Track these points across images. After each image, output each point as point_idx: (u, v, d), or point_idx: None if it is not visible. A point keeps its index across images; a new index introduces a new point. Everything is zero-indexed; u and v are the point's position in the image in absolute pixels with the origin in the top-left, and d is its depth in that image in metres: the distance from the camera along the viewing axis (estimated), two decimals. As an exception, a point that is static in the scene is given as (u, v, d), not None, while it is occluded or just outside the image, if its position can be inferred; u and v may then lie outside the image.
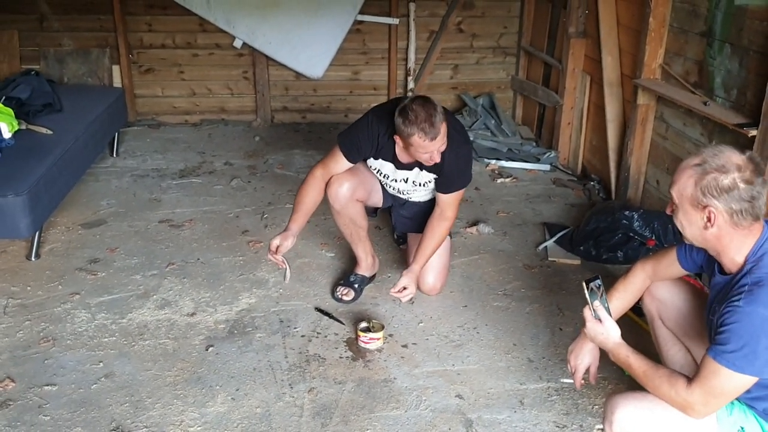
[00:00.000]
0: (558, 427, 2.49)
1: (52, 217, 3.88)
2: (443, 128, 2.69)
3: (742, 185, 1.79)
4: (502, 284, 3.42)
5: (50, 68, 5.43)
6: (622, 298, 2.30)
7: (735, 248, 1.89)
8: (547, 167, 4.87)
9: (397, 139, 2.81)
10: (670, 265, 2.23)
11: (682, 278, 2.34)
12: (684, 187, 1.87)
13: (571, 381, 2.35)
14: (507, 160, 4.97)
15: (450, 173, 2.92)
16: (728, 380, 1.80)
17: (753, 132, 3.06)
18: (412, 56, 5.69)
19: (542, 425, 2.50)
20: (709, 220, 1.85)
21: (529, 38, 5.58)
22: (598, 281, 2.11)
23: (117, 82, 5.53)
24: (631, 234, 3.54)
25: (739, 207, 1.81)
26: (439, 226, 3.02)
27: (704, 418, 1.90)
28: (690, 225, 1.92)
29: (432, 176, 2.99)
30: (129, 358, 2.84)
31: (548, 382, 2.72)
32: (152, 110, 5.74)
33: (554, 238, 3.79)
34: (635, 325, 2.93)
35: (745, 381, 1.80)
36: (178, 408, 2.57)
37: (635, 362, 2.01)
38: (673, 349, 2.35)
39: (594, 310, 2.07)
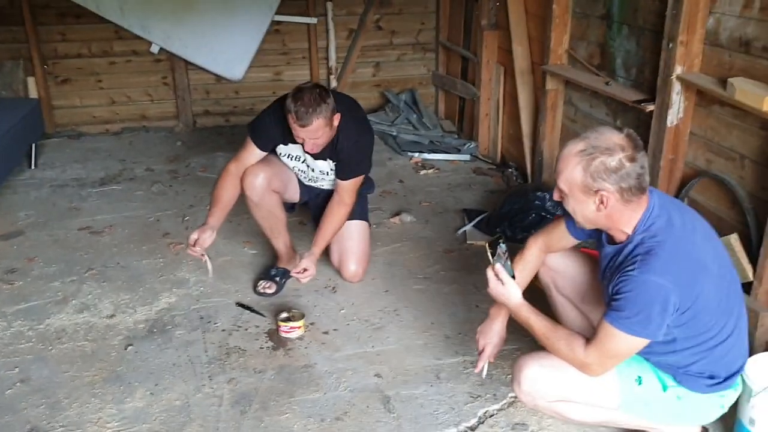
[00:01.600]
0: (472, 397, 2.56)
1: (-32, 230, 3.80)
2: (318, 123, 2.74)
3: (628, 164, 1.86)
4: (422, 269, 3.49)
5: (-38, 82, 5.30)
6: (521, 273, 2.33)
7: (625, 222, 1.96)
8: (468, 157, 4.97)
9: None
10: (562, 237, 2.30)
11: (574, 247, 2.42)
12: (572, 175, 1.91)
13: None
14: (429, 153, 5.05)
15: (348, 160, 3.00)
16: (624, 342, 1.91)
17: (651, 107, 3.19)
18: (333, 55, 5.74)
19: (457, 396, 2.56)
20: (602, 202, 1.91)
21: (446, 33, 5.68)
22: (503, 245, 2.18)
23: (33, 94, 5.42)
24: (543, 213, 3.65)
25: (628, 185, 1.87)
26: (338, 211, 3.09)
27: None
28: (582, 210, 1.97)
29: (328, 165, 3.07)
30: (46, 362, 2.80)
31: (464, 356, 2.79)
32: (71, 121, 5.64)
33: (472, 223, 3.88)
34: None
35: (639, 343, 1.91)
36: (96, 406, 2.55)
37: (535, 322, 2.10)
38: (571, 315, 2.45)
39: (496, 272, 2.14)
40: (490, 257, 2.15)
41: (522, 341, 2.68)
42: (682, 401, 2.07)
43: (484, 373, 2.40)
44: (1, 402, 2.58)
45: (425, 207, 4.24)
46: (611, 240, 2.06)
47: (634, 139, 1.90)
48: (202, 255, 2.90)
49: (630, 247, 1.95)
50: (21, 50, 5.35)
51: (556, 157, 2.05)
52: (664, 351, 2.03)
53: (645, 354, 2.06)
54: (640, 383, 2.07)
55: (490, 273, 2.15)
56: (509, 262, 2.19)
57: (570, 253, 2.42)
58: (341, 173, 3.05)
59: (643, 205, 1.95)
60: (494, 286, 2.15)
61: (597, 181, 1.88)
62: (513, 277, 2.16)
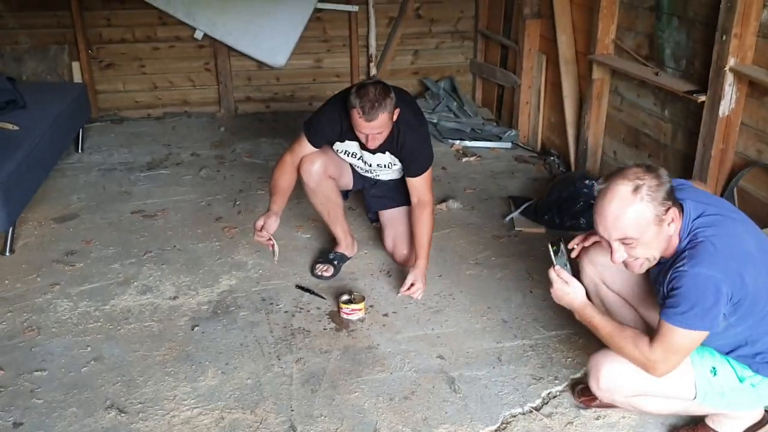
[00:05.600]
0: (535, 379, 2.64)
1: (23, 213, 3.88)
2: (383, 117, 2.78)
3: (663, 176, 1.95)
4: (473, 254, 3.56)
5: (7, 67, 5.37)
6: None
7: (674, 235, 2.02)
8: (509, 145, 5.03)
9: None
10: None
11: None
12: (640, 215, 1.93)
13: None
14: (470, 140, 5.11)
15: (414, 154, 3.03)
16: (684, 338, 1.96)
17: (702, 98, 3.24)
18: (373, 43, 5.79)
19: (520, 378, 2.64)
20: (672, 220, 1.97)
21: (485, 22, 5.72)
22: (563, 245, 2.24)
23: (77, 79, 5.51)
24: (592, 201, 3.68)
25: (671, 196, 1.97)
26: (421, 214, 3.11)
27: (680, 366, 2.04)
28: (657, 244, 2.00)
29: (388, 158, 3.10)
30: (116, 341, 2.90)
31: (523, 340, 2.86)
32: (114, 105, 5.73)
33: (519, 210, 3.94)
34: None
35: (699, 336, 1.97)
36: (170, 384, 2.64)
37: (600, 323, 2.14)
38: (623, 311, 2.47)
39: (557, 273, 2.18)
40: (553, 258, 2.19)
41: (578, 326, 2.74)
42: (758, 389, 2.12)
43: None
44: (78, 379, 2.68)
45: (469, 193, 4.31)
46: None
47: (639, 165, 1.99)
48: (269, 240, 2.97)
49: (678, 251, 2.01)
50: (66, 35, 5.43)
51: (597, 222, 2.02)
52: (734, 344, 2.09)
53: (718, 348, 2.12)
54: (715, 374, 2.11)
55: (553, 274, 2.19)
56: (569, 263, 2.23)
57: None
58: (411, 170, 3.07)
59: (679, 217, 2.01)
60: (560, 287, 2.19)
61: (663, 203, 1.94)
62: (575, 276, 2.21)
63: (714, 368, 2.12)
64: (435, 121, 5.31)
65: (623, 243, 1.99)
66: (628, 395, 2.18)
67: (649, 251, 2.01)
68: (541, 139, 5.01)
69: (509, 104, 5.33)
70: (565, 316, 2.48)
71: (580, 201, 3.73)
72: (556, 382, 2.61)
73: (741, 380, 2.11)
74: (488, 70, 5.61)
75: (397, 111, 2.88)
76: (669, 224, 1.98)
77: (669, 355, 2.01)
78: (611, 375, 2.14)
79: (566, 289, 2.18)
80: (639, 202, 1.94)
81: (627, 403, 2.24)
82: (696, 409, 2.22)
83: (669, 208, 1.96)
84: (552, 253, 2.20)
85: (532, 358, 2.75)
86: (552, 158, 4.70)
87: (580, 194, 3.74)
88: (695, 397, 2.14)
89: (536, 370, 2.68)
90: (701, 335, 1.97)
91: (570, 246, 2.40)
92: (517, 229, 3.80)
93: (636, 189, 1.94)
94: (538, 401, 2.52)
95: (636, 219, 1.94)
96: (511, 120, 5.27)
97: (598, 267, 2.46)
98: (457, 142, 5.07)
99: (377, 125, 2.80)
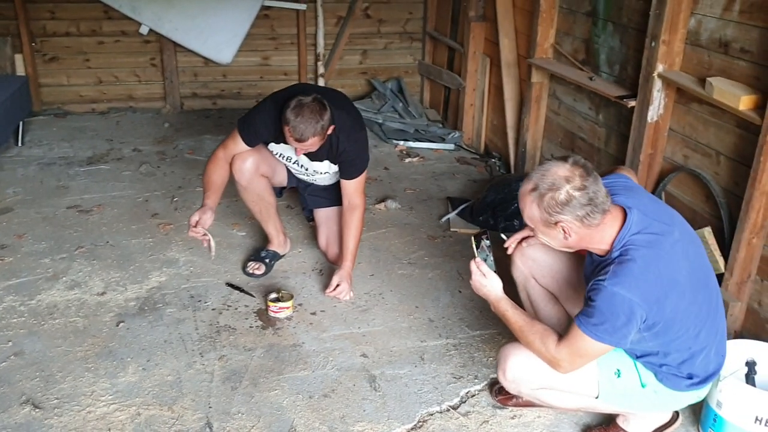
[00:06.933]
0: (455, 378, 2.66)
1: (-45, 206, 3.82)
2: (313, 140, 2.80)
3: (576, 193, 1.94)
4: (407, 254, 3.59)
5: (-52, 58, 5.28)
6: None
7: (598, 240, 2.05)
8: (452, 146, 5.07)
9: None
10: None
11: None
12: (531, 213, 2.02)
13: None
14: (414, 141, 5.14)
15: (351, 160, 3.05)
16: (591, 346, 2.00)
17: (632, 103, 3.30)
18: (321, 42, 5.79)
19: (440, 377, 2.67)
20: (565, 232, 2.01)
21: (433, 23, 5.76)
22: (487, 240, 2.28)
23: (20, 72, 5.42)
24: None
25: (584, 212, 1.96)
26: (351, 217, 3.14)
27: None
28: (553, 239, 2.08)
29: (327, 166, 3.11)
30: (39, 337, 2.86)
31: (447, 339, 2.89)
32: (58, 99, 5.65)
33: (456, 211, 3.98)
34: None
35: (605, 347, 2.01)
36: (89, 380, 2.62)
37: (513, 316, 2.19)
38: (548, 307, 2.52)
39: (477, 265, 2.24)
40: (475, 250, 2.25)
41: (502, 326, 2.77)
42: (659, 396, 2.17)
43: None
44: (-4, 374, 2.64)
45: (409, 194, 4.34)
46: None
47: (582, 165, 1.98)
48: (204, 235, 2.96)
49: (609, 260, 2.03)
50: (9, 27, 5.34)
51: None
52: (644, 352, 2.13)
53: (629, 351, 2.16)
54: (618, 376, 2.16)
55: (473, 266, 2.25)
56: (492, 257, 2.29)
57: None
58: (346, 173, 3.09)
59: (616, 222, 2.02)
60: (478, 279, 2.25)
61: (553, 215, 1.97)
62: (495, 271, 2.25)
63: (618, 370, 2.16)
64: (380, 121, 5.33)
65: (527, 224, 2.10)
66: (534, 387, 2.22)
67: (550, 241, 2.09)
68: (484, 141, 5.06)
69: (455, 106, 5.37)
70: (491, 316, 2.51)
71: (514, 203, 3.77)
72: (476, 381, 2.64)
73: (643, 386, 2.16)
74: (435, 71, 5.64)
75: (332, 128, 2.89)
76: (564, 236, 2.02)
77: (574, 357, 2.05)
78: (517, 366, 2.19)
79: (483, 281, 2.24)
80: (531, 203, 2.00)
81: (532, 396, 2.28)
82: (601, 407, 2.27)
83: (559, 223, 1.98)
84: (474, 245, 2.26)
85: (455, 357, 2.78)
86: (493, 160, 4.75)
87: (515, 197, 3.75)
88: (598, 395, 2.18)
89: (457, 369, 2.71)
90: (607, 348, 2.01)
91: (507, 244, 2.46)
92: (452, 229, 3.83)
93: (533, 191, 1.99)
94: (456, 400, 2.55)
95: (528, 214, 2.03)
96: (456, 121, 5.32)
97: (529, 261, 2.51)
98: (401, 142, 5.09)
99: (307, 144, 2.82)
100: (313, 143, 2.83)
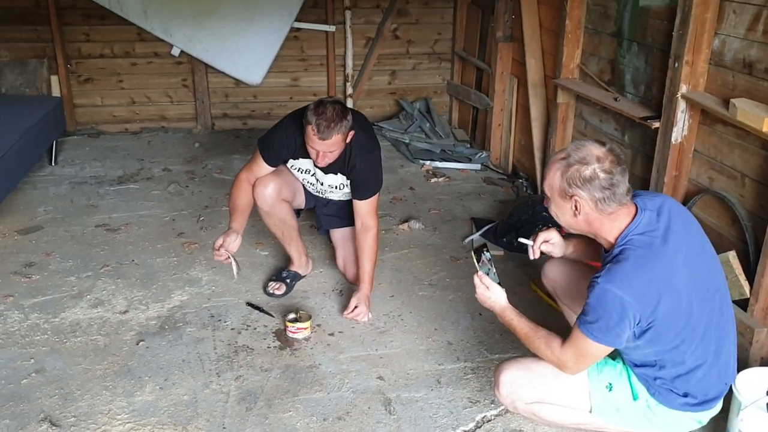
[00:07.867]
0: (471, 402, 2.63)
1: (-12, 224, 3.91)
2: (337, 138, 2.81)
3: (602, 175, 1.98)
4: (428, 275, 3.56)
5: (-14, 79, 5.44)
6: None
7: (606, 230, 2.07)
8: (479, 167, 5.04)
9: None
10: None
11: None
12: (552, 180, 2.05)
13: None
14: (440, 161, 5.13)
15: (363, 177, 3.06)
16: (590, 346, 2.02)
17: (656, 124, 3.25)
18: (350, 63, 5.83)
19: (456, 401, 2.63)
20: (576, 208, 2.03)
21: (462, 44, 5.76)
22: (488, 253, 2.33)
23: (56, 93, 5.55)
24: (550, 225, 3.69)
25: (601, 195, 1.99)
26: (365, 238, 3.14)
27: (576, 375, 2.12)
28: (563, 214, 2.10)
29: (339, 180, 3.12)
30: (60, 354, 2.90)
31: (465, 362, 2.86)
32: (92, 119, 5.77)
33: (480, 232, 3.95)
34: (551, 307, 3.10)
35: (603, 348, 2.02)
36: (107, 398, 2.64)
37: (518, 324, 2.23)
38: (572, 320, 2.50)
39: (480, 278, 2.28)
40: (477, 265, 2.29)
41: (522, 350, 2.74)
42: (653, 411, 2.14)
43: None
44: (17, 391, 2.67)
45: (434, 214, 4.32)
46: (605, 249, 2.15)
47: (616, 154, 2.01)
48: (227, 258, 2.97)
49: (610, 257, 2.04)
50: (46, 49, 5.48)
51: None
52: (641, 362, 2.12)
53: (631, 359, 2.15)
54: (610, 389, 2.16)
55: (476, 280, 2.29)
56: (494, 269, 2.32)
57: (566, 261, 2.50)
58: (359, 194, 3.10)
59: (627, 218, 2.05)
60: (482, 292, 2.29)
61: (572, 187, 2.01)
62: (498, 282, 2.29)
63: (610, 384, 2.17)
64: (407, 141, 5.34)
65: (544, 192, 2.12)
66: (528, 401, 2.23)
67: (559, 214, 2.11)
68: (512, 162, 5.02)
69: (483, 126, 5.35)
70: (511, 339, 2.49)
71: (539, 224, 3.72)
72: (492, 406, 2.60)
73: (635, 398, 2.15)
74: (463, 91, 5.64)
75: (351, 133, 2.90)
76: (574, 213, 2.04)
77: (578, 358, 2.07)
78: (511, 381, 2.22)
79: (487, 293, 2.29)
80: (556, 171, 2.04)
81: (529, 411, 2.27)
82: (596, 423, 2.24)
83: (574, 197, 2.01)
84: (475, 260, 2.30)
85: (472, 381, 2.74)
86: (520, 181, 4.72)
87: (539, 218, 3.74)
88: (591, 410, 2.19)
89: (474, 393, 2.67)
90: (605, 348, 2.02)
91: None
92: (475, 250, 3.80)
93: (563, 159, 2.03)
94: (472, 425, 2.51)
95: (549, 181, 2.07)
96: (484, 141, 5.29)
97: (550, 282, 2.60)
98: (428, 162, 5.08)
99: (330, 144, 2.82)
100: (336, 143, 2.83)
